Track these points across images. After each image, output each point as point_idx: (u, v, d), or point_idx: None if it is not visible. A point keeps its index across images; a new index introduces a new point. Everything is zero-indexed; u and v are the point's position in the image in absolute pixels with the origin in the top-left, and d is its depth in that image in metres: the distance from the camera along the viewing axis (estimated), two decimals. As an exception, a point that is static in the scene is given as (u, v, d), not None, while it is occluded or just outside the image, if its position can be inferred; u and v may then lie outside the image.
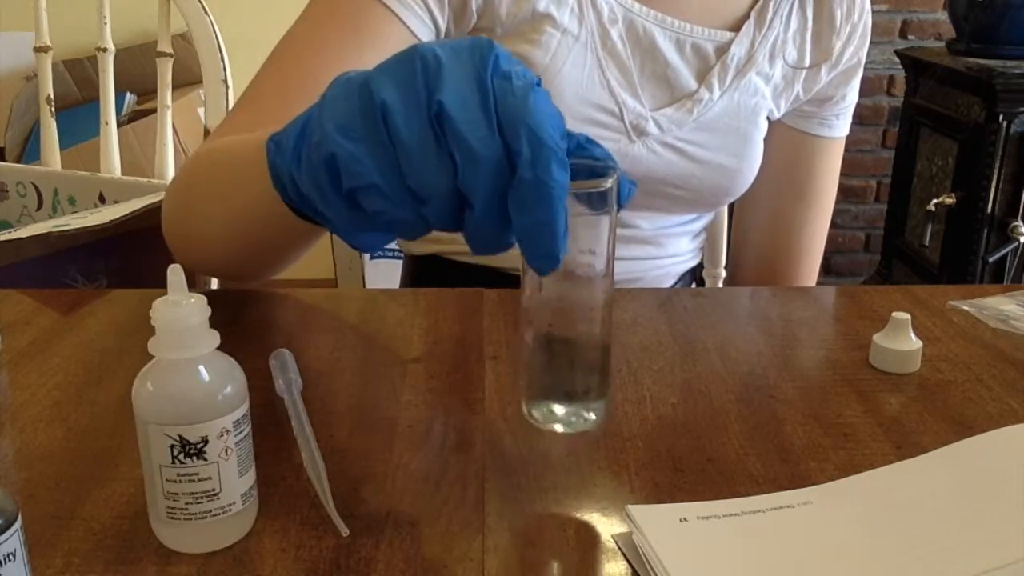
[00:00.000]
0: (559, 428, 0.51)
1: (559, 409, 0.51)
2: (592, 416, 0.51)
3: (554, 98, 0.79)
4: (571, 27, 0.80)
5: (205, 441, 0.42)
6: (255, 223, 0.62)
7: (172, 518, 0.44)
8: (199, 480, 0.43)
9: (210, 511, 0.44)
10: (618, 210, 0.47)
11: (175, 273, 0.43)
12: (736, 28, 0.85)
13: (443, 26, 0.79)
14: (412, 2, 0.76)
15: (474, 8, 0.78)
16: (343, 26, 0.75)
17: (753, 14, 0.86)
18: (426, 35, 0.78)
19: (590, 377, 0.51)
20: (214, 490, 0.44)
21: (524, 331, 0.51)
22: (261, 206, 0.56)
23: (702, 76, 0.85)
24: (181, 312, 0.42)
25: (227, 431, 0.43)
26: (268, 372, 0.62)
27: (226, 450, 0.43)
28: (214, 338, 0.44)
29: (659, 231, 0.93)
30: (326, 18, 0.77)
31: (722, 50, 0.85)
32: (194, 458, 0.43)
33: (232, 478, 0.44)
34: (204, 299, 0.43)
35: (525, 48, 0.79)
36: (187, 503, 0.43)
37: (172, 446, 0.42)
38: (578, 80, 0.80)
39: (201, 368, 0.43)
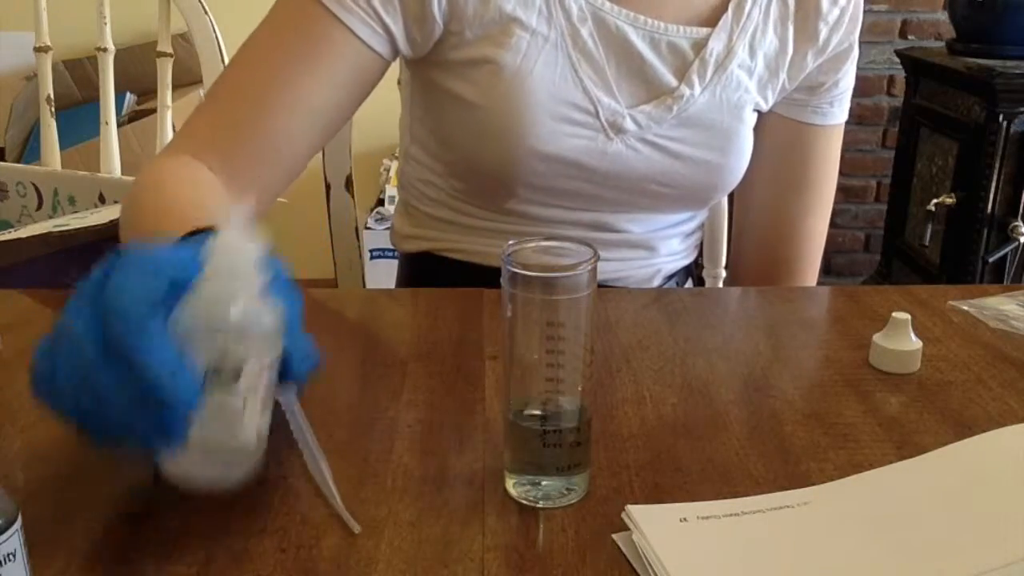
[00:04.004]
0: (542, 504, 0.50)
1: (544, 484, 0.50)
2: (575, 489, 0.50)
3: (527, 98, 0.81)
4: (540, 28, 0.80)
5: (239, 374, 0.43)
6: None
7: (190, 446, 0.43)
8: (226, 410, 0.43)
9: (228, 443, 0.43)
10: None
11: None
12: (712, 23, 0.85)
13: (398, 33, 0.78)
14: (359, 10, 0.76)
15: (438, 15, 0.78)
16: (296, 35, 0.76)
17: (731, 6, 0.85)
18: (379, 44, 0.78)
19: (573, 452, 0.50)
20: (238, 421, 0.43)
21: (504, 408, 0.50)
22: None
23: (681, 73, 0.84)
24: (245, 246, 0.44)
25: (263, 368, 0.44)
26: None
27: (256, 388, 0.43)
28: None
29: (650, 234, 0.92)
30: (281, 26, 0.78)
31: (699, 46, 0.84)
32: (227, 386, 0.43)
33: (254, 416, 0.44)
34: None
35: (494, 51, 0.79)
36: (208, 432, 0.43)
37: (207, 372, 0.42)
38: (551, 79, 0.80)
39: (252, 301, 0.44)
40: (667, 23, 0.83)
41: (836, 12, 0.88)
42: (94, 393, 0.42)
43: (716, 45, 0.84)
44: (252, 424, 0.44)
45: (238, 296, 0.43)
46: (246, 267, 0.45)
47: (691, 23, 0.84)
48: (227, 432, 0.43)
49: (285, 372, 0.48)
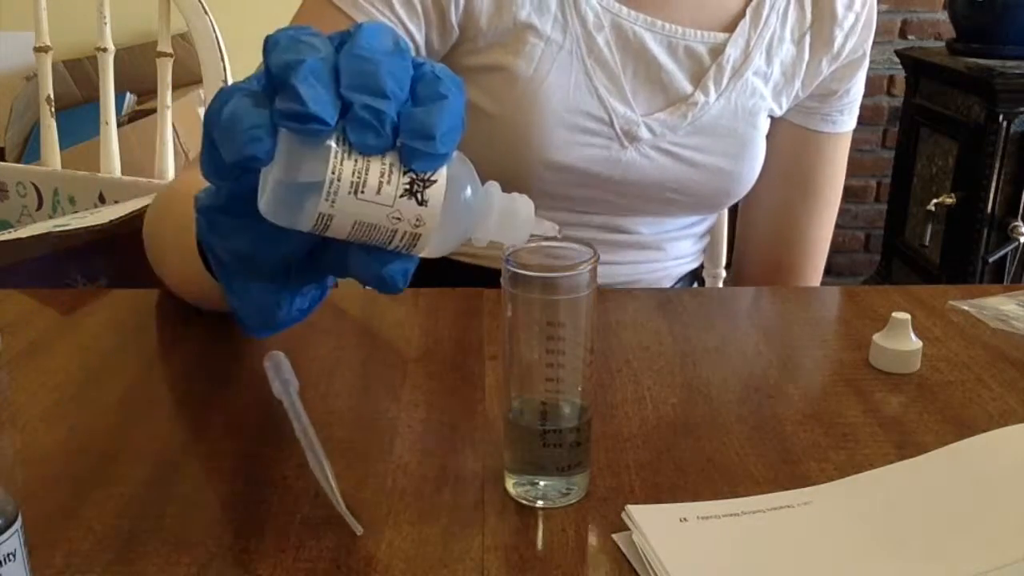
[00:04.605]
0: (541, 504, 0.50)
1: (543, 484, 0.50)
2: (575, 489, 0.50)
3: (540, 107, 0.80)
4: (555, 36, 0.79)
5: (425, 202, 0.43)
6: (202, 286, 0.60)
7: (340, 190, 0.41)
8: (388, 207, 0.42)
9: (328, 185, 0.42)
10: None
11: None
12: (730, 28, 0.85)
13: (420, 40, 0.78)
14: (384, 19, 0.75)
15: (455, 21, 0.78)
16: None
17: (749, 12, 0.85)
18: None
19: (573, 452, 0.49)
20: (384, 206, 0.42)
21: (504, 408, 0.50)
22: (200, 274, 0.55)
23: (697, 79, 0.84)
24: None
25: (413, 217, 0.43)
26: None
27: (383, 214, 0.42)
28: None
29: (661, 235, 0.92)
30: None
31: (716, 51, 0.84)
32: (417, 196, 0.43)
33: (349, 210, 0.42)
34: None
35: (508, 59, 0.79)
36: (361, 200, 0.42)
37: (412, 181, 0.42)
38: (564, 88, 0.80)
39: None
40: (685, 28, 0.83)
41: (851, 18, 0.88)
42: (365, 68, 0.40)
43: (733, 51, 0.84)
44: (345, 215, 0.42)
45: (484, 206, 0.46)
46: (490, 207, 0.47)
47: (708, 28, 0.84)
48: (345, 187, 0.41)
49: (377, 259, 0.45)
